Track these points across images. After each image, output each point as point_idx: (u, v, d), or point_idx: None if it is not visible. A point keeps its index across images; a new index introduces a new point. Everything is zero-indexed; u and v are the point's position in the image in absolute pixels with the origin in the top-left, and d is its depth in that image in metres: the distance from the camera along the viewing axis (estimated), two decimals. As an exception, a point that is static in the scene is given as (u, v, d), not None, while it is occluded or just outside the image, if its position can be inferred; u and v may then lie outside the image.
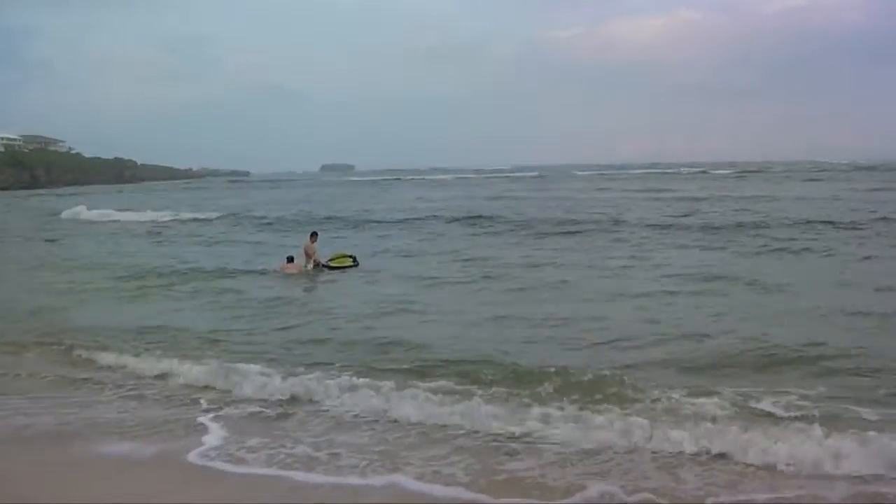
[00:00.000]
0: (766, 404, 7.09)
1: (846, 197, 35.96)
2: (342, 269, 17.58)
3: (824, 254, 17.85)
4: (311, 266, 17.68)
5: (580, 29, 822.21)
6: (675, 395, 7.30)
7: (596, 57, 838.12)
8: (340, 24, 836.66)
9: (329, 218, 32.70)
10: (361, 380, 8.22)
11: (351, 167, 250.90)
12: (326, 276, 17.16)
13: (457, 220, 29.88)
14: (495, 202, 40.75)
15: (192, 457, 6.61)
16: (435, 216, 31.66)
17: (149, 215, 38.56)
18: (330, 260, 17.93)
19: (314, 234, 18.91)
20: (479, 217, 30.21)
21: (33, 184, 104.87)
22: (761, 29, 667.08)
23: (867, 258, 17.11)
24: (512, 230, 25.77)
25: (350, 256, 18.18)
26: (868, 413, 6.78)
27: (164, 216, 37.87)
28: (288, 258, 17.74)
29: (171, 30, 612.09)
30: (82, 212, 41.88)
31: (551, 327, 10.98)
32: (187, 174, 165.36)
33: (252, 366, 8.96)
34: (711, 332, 10.17)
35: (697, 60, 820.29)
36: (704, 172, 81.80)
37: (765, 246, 19.37)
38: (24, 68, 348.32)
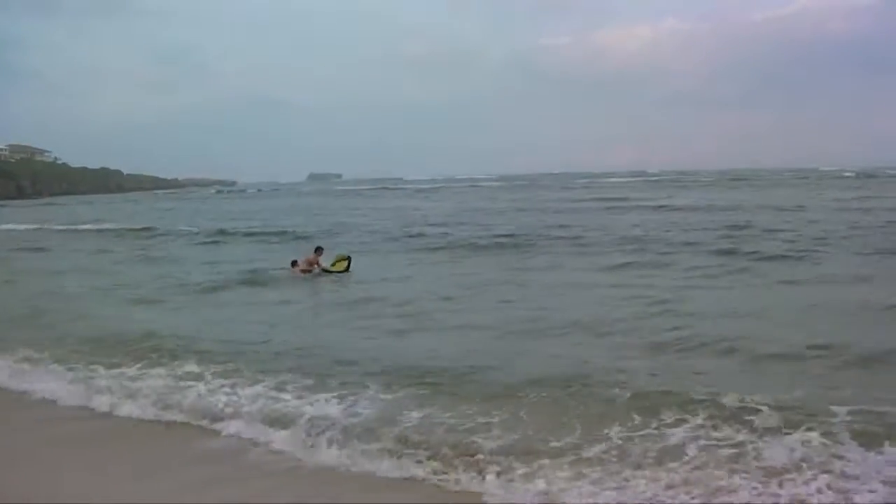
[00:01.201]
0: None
1: (811, 206, 35.56)
2: (337, 273, 18.32)
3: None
4: (316, 270, 18.40)
5: (568, 38, 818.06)
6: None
7: (584, 65, 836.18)
8: (331, 32, 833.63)
9: (282, 232, 31.95)
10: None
11: (338, 176, 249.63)
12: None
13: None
14: (464, 214, 40.24)
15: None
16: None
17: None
18: (332, 264, 18.54)
19: (319, 249, 19.03)
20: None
21: (19, 194, 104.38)
22: (750, 38, 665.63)
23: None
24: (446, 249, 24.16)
25: (347, 258, 18.79)
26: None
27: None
28: (293, 262, 18.72)
29: (160, 39, 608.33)
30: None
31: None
32: (173, 184, 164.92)
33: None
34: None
35: (686, 69, 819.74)
36: (694, 181, 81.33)
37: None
38: (11, 77, 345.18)
